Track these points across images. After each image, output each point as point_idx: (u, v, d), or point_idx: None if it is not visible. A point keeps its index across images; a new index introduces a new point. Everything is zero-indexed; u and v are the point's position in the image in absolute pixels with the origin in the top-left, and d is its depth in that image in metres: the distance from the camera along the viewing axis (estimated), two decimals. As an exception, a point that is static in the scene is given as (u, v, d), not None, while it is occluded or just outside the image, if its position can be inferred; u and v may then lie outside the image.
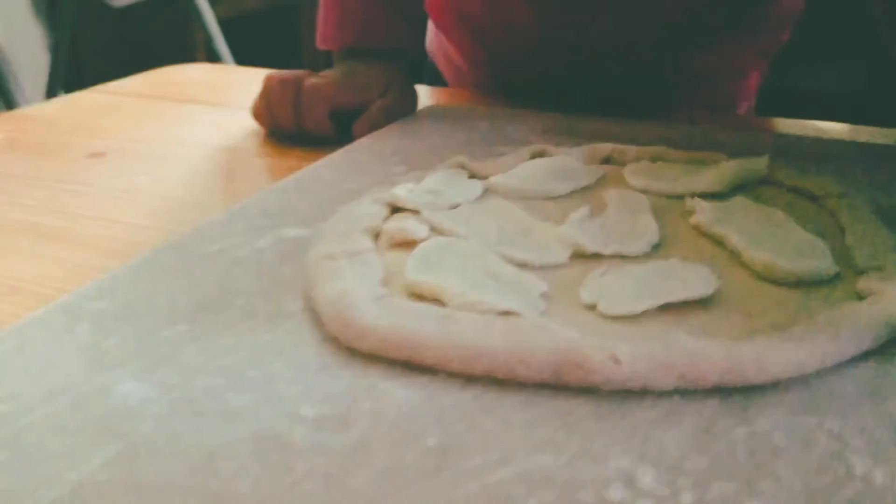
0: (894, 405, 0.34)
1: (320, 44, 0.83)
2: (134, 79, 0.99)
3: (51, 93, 2.40)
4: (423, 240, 0.45)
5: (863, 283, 0.42)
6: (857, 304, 0.39)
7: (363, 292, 0.39)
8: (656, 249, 0.46)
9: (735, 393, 0.35)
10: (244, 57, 2.30)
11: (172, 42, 2.73)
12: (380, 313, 0.38)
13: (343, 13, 0.82)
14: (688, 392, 0.35)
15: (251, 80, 0.78)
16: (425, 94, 0.91)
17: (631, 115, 0.76)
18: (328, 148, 0.69)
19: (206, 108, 0.86)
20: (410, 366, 0.37)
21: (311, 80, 0.74)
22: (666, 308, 0.40)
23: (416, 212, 0.50)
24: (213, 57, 2.44)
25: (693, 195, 0.53)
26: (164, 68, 1.02)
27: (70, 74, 2.54)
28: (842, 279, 0.44)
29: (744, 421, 0.33)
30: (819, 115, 0.78)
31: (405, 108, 0.79)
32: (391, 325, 0.37)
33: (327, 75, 0.77)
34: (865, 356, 0.38)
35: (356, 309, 0.38)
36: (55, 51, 2.41)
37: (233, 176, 0.66)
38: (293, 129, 0.73)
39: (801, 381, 0.36)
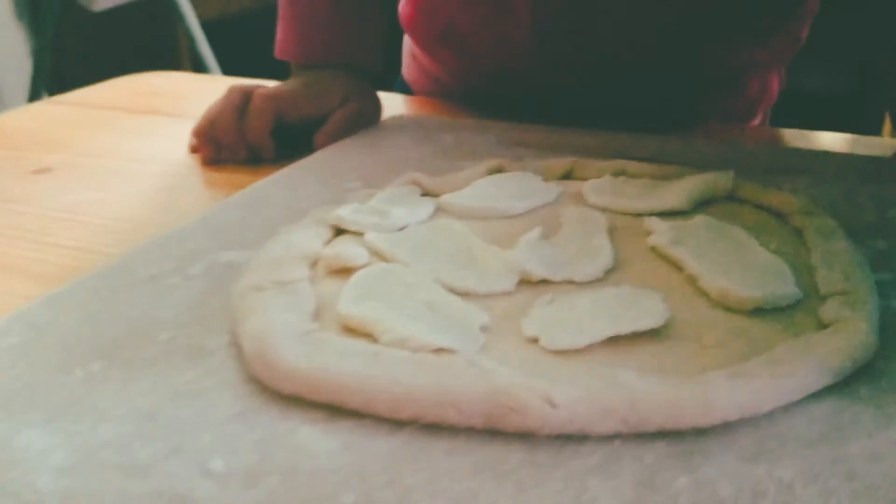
0: (852, 449, 0.32)
1: (278, 54, 0.80)
2: (95, 88, 0.97)
3: (33, 97, 2.37)
4: (361, 267, 0.43)
5: (825, 311, 0.39)
6: (817, 335, 0.37)
7: (288, 328, 0.37)
8: (610, 273, 0.44)
9: (681, 436, 0.33)
10: (231, 60, 2.28)
11: (156, 46, 2.71)
12: (303, 352, 0.35)
13: (300, 26, 0.79)
14: (630, 437, 0.32)
15: (217, 90, 0.76)
16: (395, 103, 0.89)
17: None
18: (284, 163, 0.66)
19: (166, 119, 0.83)
20: (335, 409, 0.34)
21: (262, 90, 0.72)
22: (614, 339, 0.37)
23: (360, 234, 0.47)
24: (198, 60, 2.42)
25: (654, 214, 0.50)
26: (127, 77, 0.99)
27: (53, 79, 2.51)
28: (805, 304, 0.41)
29: (688, 469, 0.31)
30: (813, 115, 0.74)
31: (367, 117, 0.76)
32: (313, 367, 0.34)
33: (281, 85, 0.74)
34: (825, 391, 0.35)
35: (277, 348, 0.35)
36: (37, 55, 2.38)
37: (183, 193, 0.64)
38: (233, 144, 0.69)
39: (752, 421, 0.33)
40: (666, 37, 0.78)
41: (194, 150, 0.72)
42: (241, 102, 0.71)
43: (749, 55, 0.83)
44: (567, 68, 0.81)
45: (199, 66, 2.40)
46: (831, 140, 0.75)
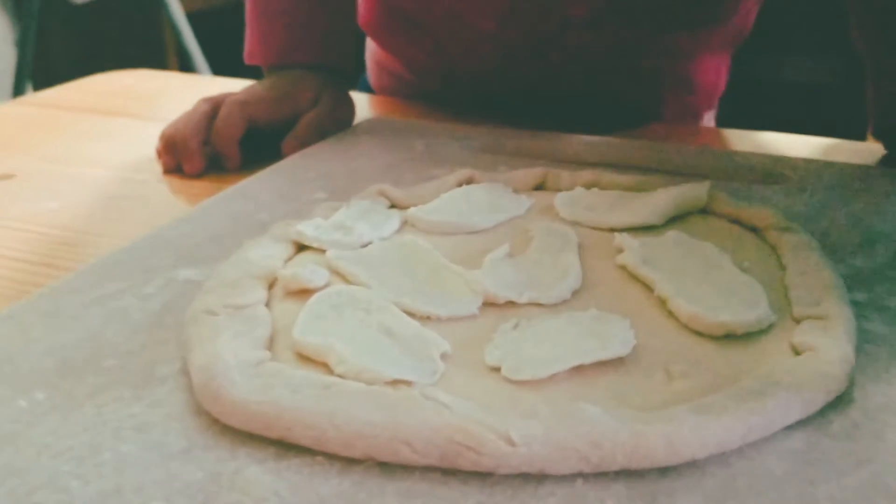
0: (824, 489, 0.31)
1: (247, 59, 0.78)
2: (63, 88, 0.94)
3: (17, 89, 2.34)
4: (320, 288, 0.41)
5: (798, 336, 0.38)
6: (789, 364, 0.36)
7: (239, 357, 0.35)
8: (577, 294, 0.42)
9: (645, 475, 0.31)
10: (217, 51, 2.25)
11: (142, 37, 2.67)
12: (253, 385, 0.33)
13: (263, 28, 0.77)
14: (592, 475, 0.31)
15: (187, 89, 0.74)
16: (367, 105, 0.87)
17: (589, 127, 0.72)
18: (250, 171, 0.65)
19: (133, 121, 0.81)
20: (285, 445, 0.32)
21: (231, 97, 0.70)
22: (579, 367, 0.36)
23: (323, 251, 0.46)
24: (183, 52, 2.39)
25: (625, 228, 0.49)
26: (98, 76, 0.97)
27: (38, 71, 2.48)
28: (778, 327, 0.40)
29: (651, 513, 0.30)
30: (793, 104, 0.73)
31: (339, 120, 0.74)
32: (263, 401, 0.33)
33: (249, 89, 0.72)
34: (797, 423, 0.34)
35: (226, 379, 0.34)
36: (21, 47, 2.34)
37: (147, 203, 0.62)
38: (193, 153, 0.66)
39: (720, 459, 0.32)
40: (618, 24, 0.77)
41: (160, 154, 0.70)
42: (211, 111, 0.69)
43: (692, 42, 0.83)
44: (527, 54, 0.80)
45: (184, 58, 2.37)
46: (804, 145, 0.74)
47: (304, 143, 0.69)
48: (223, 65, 0.86)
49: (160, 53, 2.72)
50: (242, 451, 0.32)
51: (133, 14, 2.60)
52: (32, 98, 0.90)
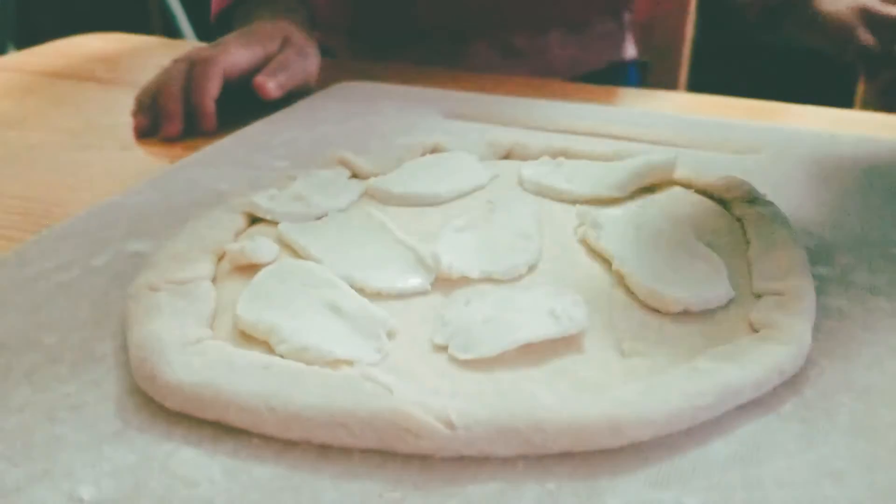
0: (769, 471, 0.30)
1: (214, 9, 0.77)
2: (31, 52, 0.92)
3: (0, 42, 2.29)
4: (269, 263, 0.40)
5: (756, 314, 0.37)
6: (743, 343, 0.35)
7: (177, 336, 0.34)
8: (534, 268, 0.41)
9: (588, 458, 0.30)
10: (201, 13, 2.21)
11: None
12: (190, 365, 0.32)
13: None
14: (534, 458, 0.30)
15: (157, 53, 0.72)
16: (336, 69, 0.85)
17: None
18: (215, 136, 0.63)
19: (98, 87, 0.79)
20: (222, 427, 0.32)
21: (203, 54, 0.68)
22: (529, 345, 0.35)
23: (276, 223, 0.45)
24: (166, 12, 2.34)
25: (589, 200, 0.48)
26: (67, 39, 0.95)
27: (22, 30, 2.43)
28: (737, 303, 0.39)
29: (591, 498, 0.29)
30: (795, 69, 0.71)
31: (308, 63, 0.73)
32: (199, 382, 0.32)
33: (218, 43, 0.70)
34: (749, 404, 0.33)
35: (163, 359, 0.33)
36: (2, 3, 2.30)
37: (106, 170, 0.60)
38: (173, 113, 0.65)
39: (666, 440, 0.31)
40: None
41: (135, 116, 0.68)
42: (187, 70, 0.67)
43: None
44: None
45: (167, 19, 2.34)
46: (789, 113, 0.72)
47: (275, 78, 0.68)
48: (207, 26, 0.85)
49: (144, 14, 2.67)
50: (177, 433, 0.31)
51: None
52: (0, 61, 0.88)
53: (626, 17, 0.96)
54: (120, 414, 0.33)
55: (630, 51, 0.96)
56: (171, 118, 0.65)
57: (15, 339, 0.37)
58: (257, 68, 0.69)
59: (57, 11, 2.65)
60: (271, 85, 0.67)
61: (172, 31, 2.34)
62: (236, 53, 0.69)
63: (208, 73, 0.66)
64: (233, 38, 0.71)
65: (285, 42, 0.72)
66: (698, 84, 0.98)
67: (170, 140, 0.65)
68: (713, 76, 0.99)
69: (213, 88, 0.66)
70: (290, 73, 0.69)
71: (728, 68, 0.84)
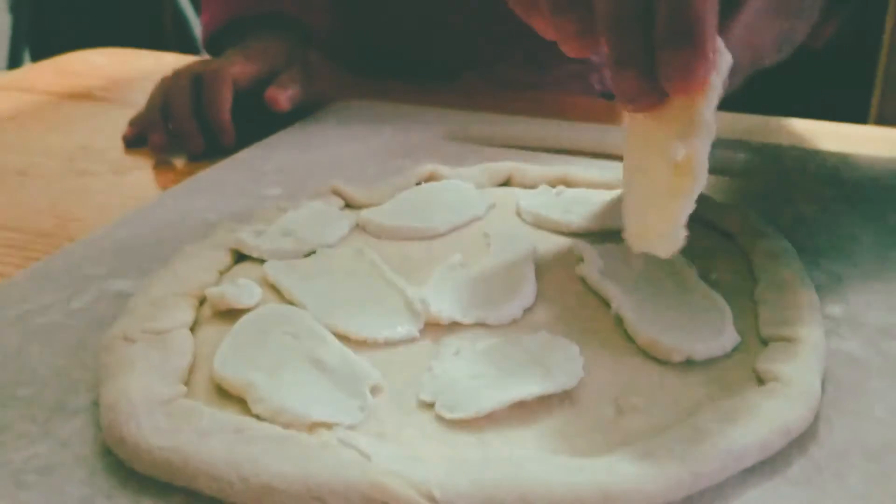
0: (774, 546, 0.28)
1: (206, 33, 0.76)
2: (32, 68, 0.91)
3: (13, 54, 2.30)
4: (251, 308, 0.39)
5: (763, 363, 0.35)
6: (749, 397, 0.33)
7: (149, 394, 0.32)
8: (529, 311, 0.39)
9: (581, 531, 0.29)
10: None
11: (139, 3, 2.63)
12: (159, 427, 0.31)
13: None
14: (522, 531, 0.28)
15: (158, 70, 0.71)
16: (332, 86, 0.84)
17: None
18: (212, 159, 0.62)
19: (95, 105, 0.78)
20: (193, 494, 0.30)
21: (211, 67, 0.67)
22: (521, 402, 0.33)
23: (262, 261, 0.43)
24: (178, 12, 2.35)
25: (588, 233, 0.46)
26: (68, 55, 0.94)
27: (36, 37, 2.44)
28: (743, 350, 0.37)
29: (581, 579, 0.27)
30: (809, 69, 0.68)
31: (313, 79, 0.72)
32: (167, 446, 0.30)
33: (224, 58, 0.69)
34: (754, 466, 0.31)
35: (131, 420, 0.31)
36: (16, 11, 2.30)
37: (97, 197, 0.59)
38: (191, 130, 0.64)
39: (664, 510, 0.29)
40: None
41: (129, 140, 0.67)
42: (193, 84, 0.66)
43: None
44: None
45: (180, 24, 2.34)
46: (804, 131, 0.70)
47: (286, 92, 0.67)
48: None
49: (157, 19, 2.67)
50: (145, 501, 0.30)
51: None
52: (-2, 79, 0.87)
53: None
54: (89, 479, 0.31)
55: None
56: (191, 137, 0.64)
57: (-13, 393, 0.36)
58: (265, 81, 0.67)
59: (71, 18, 2.66)
60: (283, 97, 0.66)
61: (185, 35, 2.34)
62: (245, 64, 0.68)
63: (219, 86, 0.65)
64: (236, 53, 0.70)
65: (290, 58, 0.71)
66: None
67: (196, 159, 0.64)
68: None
69: (226, 101, 0.65)
70: (300, 86, 0.68)
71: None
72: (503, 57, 0.85)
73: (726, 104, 0.37)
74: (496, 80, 0.85)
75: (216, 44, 0.77)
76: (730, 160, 0.58)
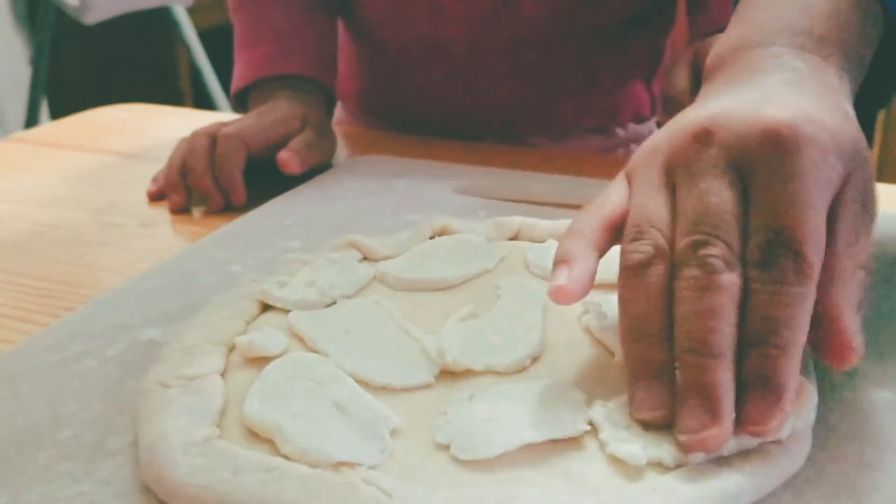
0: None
1: (238, 82, 0.80)
2: (56, 124, 0.95)
3: (32, 106, 2.36)
4: (278, 355, 0.41)
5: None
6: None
7: (184, 435, 0.35)
8: (538, 360, 0.42)
9: (587, 566, 0.31)
10: (229, 68, 2.27)
11: (155, 55, 2.70)
12: (194, 466, 0.33)
13: (259, 46, 0.81)
14: (532, 566, 0.31)
15: (180, 125, 0.75)
16: (350, 141, 0.87)
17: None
18: (234, 213, 0.65)
19: (121, 160, 0.81)
20: (226, 529, 0.32)
21: (224, 130, 0.70)
22: (531, 444, 0.35)
23: (286, 311, 0.46)
24: (195, 69, 2.41)
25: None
26: (92, 110, 0.98)
27: (54, 89, 2.50)
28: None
29: None
30: None
31: (326, 144, 0.76)
32: (202, 484, 0.32)
33: (240, 121, 0.73)
34: None
35: (169, 459, 0.33)
36: (35, 64, 2.37)
37: (126, 250, 0.62)
38: (209, 188, 0.68)
39: (665, 548, 0.31)
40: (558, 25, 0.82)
41: (153, 196, 0.70)
42: (210, 144, 0.70)
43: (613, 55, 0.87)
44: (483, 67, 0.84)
45: (196, 74, 2.40)
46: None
47: (298, 155, 0.70)
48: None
49: (174, 71, 2.74)
50: (183, 535, 0.32)
51: (146, 32, 2.62)
52: (25, 135, 0.91)
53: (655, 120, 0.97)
54: (128, 514, 0.33)
55: None
56: (210, 194, 0.68)
57: (30, 435, 0.38)
58: (278, 145, 0.71)
59: (88, 70, 2.73)
60: (295, 161, 0.70)
61: (200, 85, 2.40)
62: (258, 130, 0.71)
63: (231, 150, 0.68)
64: (253, 116, 0.74)
65: (304, 122, 0.74)
66: None
67: (212, 213, 0.68)
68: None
69: (238, 165, 0.68)
70: (312, 150, 0.72)
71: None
72: (529, 124, 0.88)
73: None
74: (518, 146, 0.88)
75: (243, 99, 0.81)
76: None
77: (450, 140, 0.84)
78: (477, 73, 0.85)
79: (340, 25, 0.92)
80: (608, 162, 0.81)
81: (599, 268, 0.49)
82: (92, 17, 2.27)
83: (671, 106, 0.63)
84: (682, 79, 0.63)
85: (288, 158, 0.69)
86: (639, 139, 0.93)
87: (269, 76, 0.79)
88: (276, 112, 0.75)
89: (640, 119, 0.93)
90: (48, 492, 0.35)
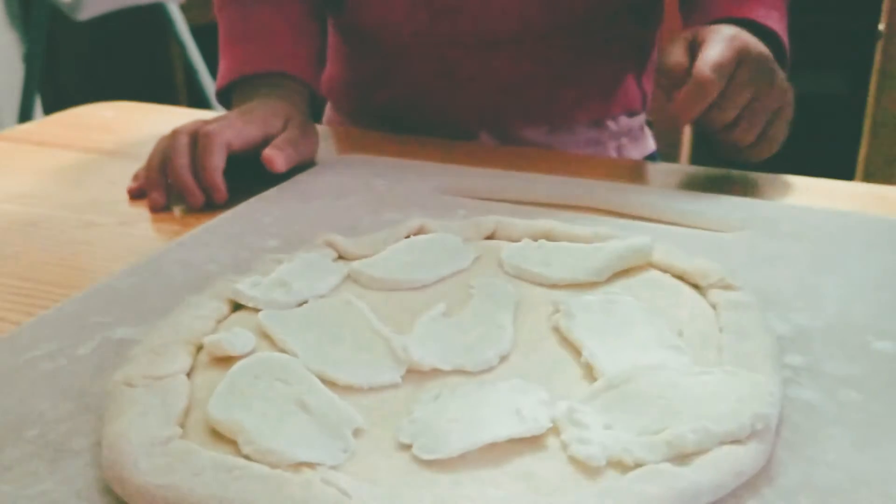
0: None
1: (217, 86, 0.80)
2: (44, 122, 0.95)
3: (25, 103, 2.36)
4: (246, 354, 0.41)
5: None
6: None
7: (147, 435, 0.35)
8: (506, 359, 0.42)
9: (543, 565, 0.31)
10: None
11: (148, 51, 2.70)
12: (155, 466, 0.33)
13: (245, 44, 0.81)
14: (488, 566, 0.31)
15: (167, 123, 0.74)
16: (333, 139, 0.87)
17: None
18: (215, 211, 0.65)
19: (104, 158, 0.81)
20: (186, 529, 0.32)
21: (206, 128, 0.70)
22: (493, 444, 0.35)
23: (258, 311, 0.46)
24: (188, 65, 2.41)
25: (566, 285, 0.49)
26: (78, 108, 0.98)
27: (48, 87, 2.50)
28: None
29: None
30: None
31: (309, 142, 0.76)
32: (163, 484, 0.32)
33: (222, 118, 0.73)
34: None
35: (130, 459, 0.34)
36: (29, 61, 2.37)
37: (104, 248, 0.62)
38: (190, 186, 0.68)
39: (621, 547, 0.31)
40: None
41: (133, 193, 0.70)
42: (191, 142, 0.69)
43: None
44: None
45: (190, 72, 2.40)
46: (783, 186, 0.73)
47: (283, 153, 0.70)
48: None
49: (167, 67, 2.75)
50: (143, 535, 0.32)
51: (140, 29, 2.62)
52: (10, 133, 0.90)
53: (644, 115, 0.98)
54: (90, 514, 0.33)
55: (650, 145, 0.98)
56: (191, 192, 0.68)
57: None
58: (259, 143, 0.71)
59: (81, 67, 2.73)
60: (280, 160, 0.70)
61: (193, 82, 2.41)
62: (239, 129, 0.71)
63: (212, 150, 0.68)
64: (236, 115, 0.73)
65: (287, 121, 0.74)
66: (702, 152, 1.01)
67: (193, 211, 0.68)
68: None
69: (219, 162, 0.68)
70: (296, 148, 0.72)
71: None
72: (522, 118, 0.89)
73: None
74: (512, 141, 0.89)
75: (227, 96, 0.81)
76: (713, 216, 0.61)
77: (437, 139, 0.84)
78: (469, 68, 0.85)
79: (331, 24, 0.92)
80: (591, 162, 0.81)
81: (570, 267, 0.49)
82: (85, 14, 2.27)
83: (668, 79, 0.65)
84: (679, 53, 0.65)
85: (273, 156, 0.69)
86: (630, 132, 0.93)
87: (252, 74, 0.79)
88: (258, 110, 0.75)
89: (631, 113, 0.93)
90: (11, 491, 0.35)
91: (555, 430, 0.36)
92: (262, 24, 0.82)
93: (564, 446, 0.35)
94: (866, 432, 0.38)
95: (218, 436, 0.36)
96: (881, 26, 1.74)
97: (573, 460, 0.35)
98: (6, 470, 0.36)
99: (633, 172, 0.81)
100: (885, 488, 0.35)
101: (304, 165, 0.74)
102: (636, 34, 0.91)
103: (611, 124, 0.92)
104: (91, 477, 0.35)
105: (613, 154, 0.92)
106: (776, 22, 0.74)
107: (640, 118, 0.96)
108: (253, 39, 0.81)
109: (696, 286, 0.49)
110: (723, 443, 0.35)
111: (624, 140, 0.93)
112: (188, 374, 0.41)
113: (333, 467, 0.34)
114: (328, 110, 1.00)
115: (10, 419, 0.39)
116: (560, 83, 0.88)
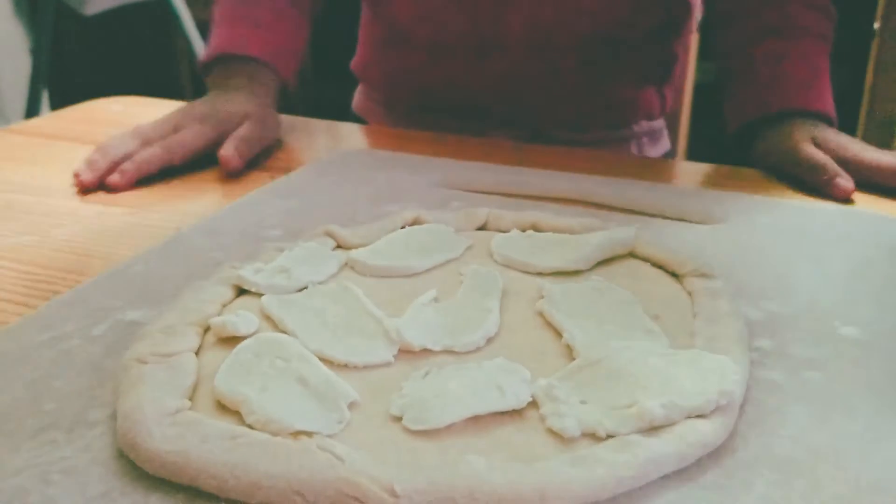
0: (683, 539, 0.33)
1: (199, 63, 0.88)
2: (52, 116, 0.98)
3: (32, 95, 2.39)
4: (249, 335, 0.44)
5: (689, 387, 0.40)
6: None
7: (158, 406, 0.38)
8: (491, 341, 0.45)
9: (520, 525, 0.34)
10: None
11: (155, 45, 2.73)
12: (166, 434, 0.36)
13: (232, 26, 0.89)
14: (471, 524, 0.34)
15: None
16: (351, 132, 0.90)
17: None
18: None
19: (114, 151, 0.84)
20: (194, 491, 0.35)
21: (167, 132, 0.77)
22: (476, 417, 0.38)
23: (260, 295, 0.49)
24: (193, 59, 2.44)
25: (552, 273, 0.51)
26: (86, 103, 1.01)
27: (55, 80, 2.53)
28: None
29: (516, 562, 0.32)
30: None
31: (266, 134, 0.81)
32: (173, 450, 0.35)
33: (179, 115, 0.80)
34: (673, 473, 0.36)
35: (143, 428, 0.37)
36: (36, 54, 2.40)
37: (117, 237, 0.65)
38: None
39: (593, 509, 0.34)
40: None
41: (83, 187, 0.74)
42: (139, 146, 0.77)
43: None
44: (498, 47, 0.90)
45: (194, 65, 2.43)
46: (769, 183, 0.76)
47: (236, 149, 0.76)
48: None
49: (173, 62, 2.78)
50: (154, 497, 0.35)
51: (146, 23, 2.65)
52: (23, 126, 0.93)
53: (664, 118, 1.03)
54: (106, 478, 0.36)
55: (666, 144, 1.02)
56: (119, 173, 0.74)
57: (17, 407, 0.41)
58: (215, 144, 0.77)
59: (89, 60, 2.76)
60: (234, 159, 0.75)
61: (203, 90, 2.44)
62: (195, 133, 0.77)
63: (169, 159, 0.75)
64: (196, 112, 0.81)
65: (245, 118, 0.80)
66: (698, 147, 1.08)
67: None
68: (712, 141, 1.06)
69: (152, 168, 0.75)
70: (249, 143, 0.78)
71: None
72: (550, 120, 0.94)
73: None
74: (538, 138, 0.93)
75: (208, 72, 0.89)
76: (694, 208, 0.64)
77: (456, 136, 0.88)
78: (506, 70, 0.91)
79: (367, 16, 0.99)
80: (589, 157, 0.84)
81: (556, 256, 0.52)
82: (92, 8, 2.30)
83: (816, 172, 0.72)
84: (819, 154, 0.73)
85: (227, 156, 0.74)
86: (651, 133, 1.00)
87: (230, 54, 0.86)
88: (220, 111, 0.80)
89: (650, 117, 1.00)
90: (36, 455, 0.38)
91: (534, 404, 0.39)
92: (250, 9, 0.89)
93: (543, 419, 0.38)
94: (825, 409, 0.41)
95: (223, 408, 0.39)
96: (876, 24, 1.77)
97: (550, 432, 0.38)
98: (28, 439, 0.39)
99: (630, 167, 0.83)
100: (840, 461, 0.37)
101: (308, 160, 0.77)
102: (664, 47, 0.96)
103: (634, 126, 0.98)
104: (106, 444, 0.38)
105: (634, 152, 0.97)
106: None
107: (660, 121, 1.01)
108: (239, 23, 0.88)
109: (674, 274, 0.52)
110: (689, 417, 0.38)
111: (645, 139, 1.00)
112: (196, 353, 0.44)
113: (329, 436, 0.37)
114: (359, 94, 1.05)
115: (29, 393, 0.42)
116: (590, 92, 0.93)
